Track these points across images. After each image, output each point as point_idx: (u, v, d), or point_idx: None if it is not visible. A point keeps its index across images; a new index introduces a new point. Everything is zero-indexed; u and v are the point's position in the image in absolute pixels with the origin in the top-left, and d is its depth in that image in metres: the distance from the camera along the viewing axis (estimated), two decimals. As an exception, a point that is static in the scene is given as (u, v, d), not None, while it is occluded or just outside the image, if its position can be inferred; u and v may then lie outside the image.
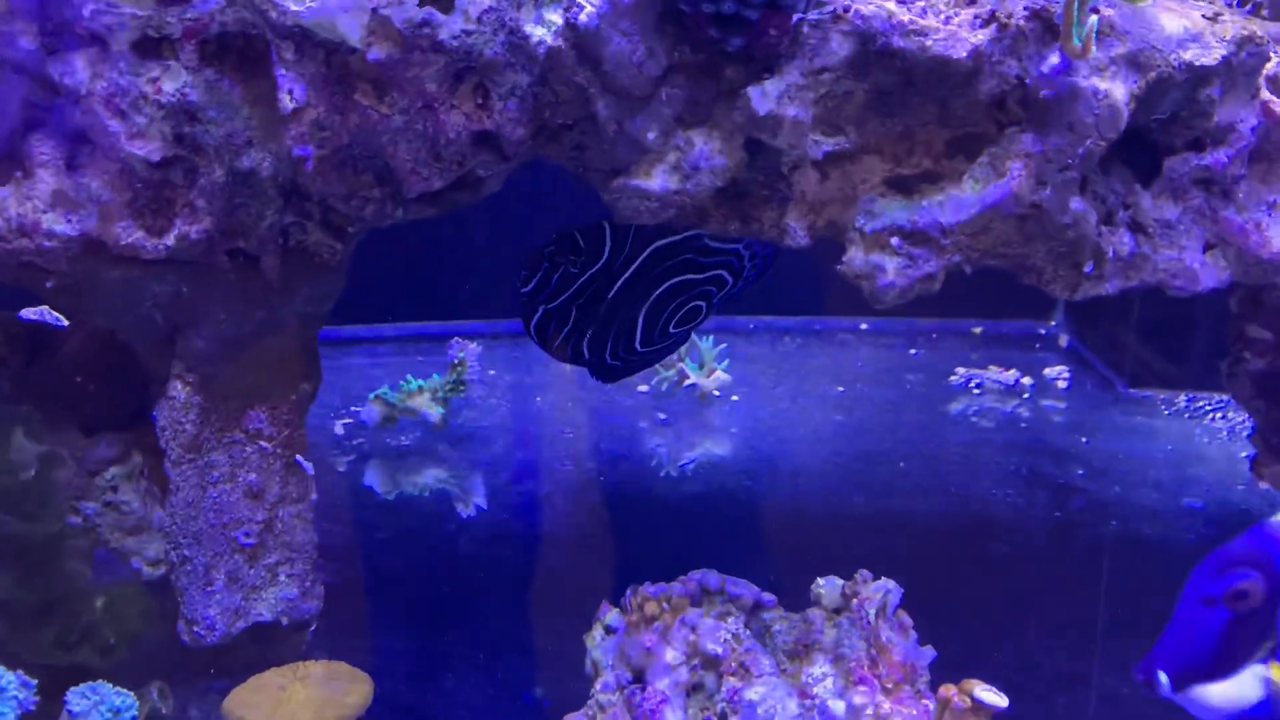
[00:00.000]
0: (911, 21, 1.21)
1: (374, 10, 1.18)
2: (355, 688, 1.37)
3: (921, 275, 1.29)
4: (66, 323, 1.46)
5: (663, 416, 2.48)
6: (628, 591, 1.30)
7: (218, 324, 1.41)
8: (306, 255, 1.40)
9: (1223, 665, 0.91)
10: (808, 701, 1.21)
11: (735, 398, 2.54)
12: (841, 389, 2.66)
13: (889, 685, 1.22)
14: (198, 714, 1.42)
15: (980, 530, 1.99)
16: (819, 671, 1.24)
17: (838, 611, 1.29)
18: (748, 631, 1.27)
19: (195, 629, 1.45)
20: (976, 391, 2.62)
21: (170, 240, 1.32)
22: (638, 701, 1.22)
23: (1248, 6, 1.40)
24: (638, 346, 1.58)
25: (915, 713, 1.20)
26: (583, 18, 1.19)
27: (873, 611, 1.25)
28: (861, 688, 1.21)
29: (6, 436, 1.31)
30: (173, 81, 1.26)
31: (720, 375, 2.54)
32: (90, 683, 1.27)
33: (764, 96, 1.24)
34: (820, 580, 1.32)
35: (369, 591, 1.79)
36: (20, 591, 1.30)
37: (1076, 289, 1.32)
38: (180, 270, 1.37)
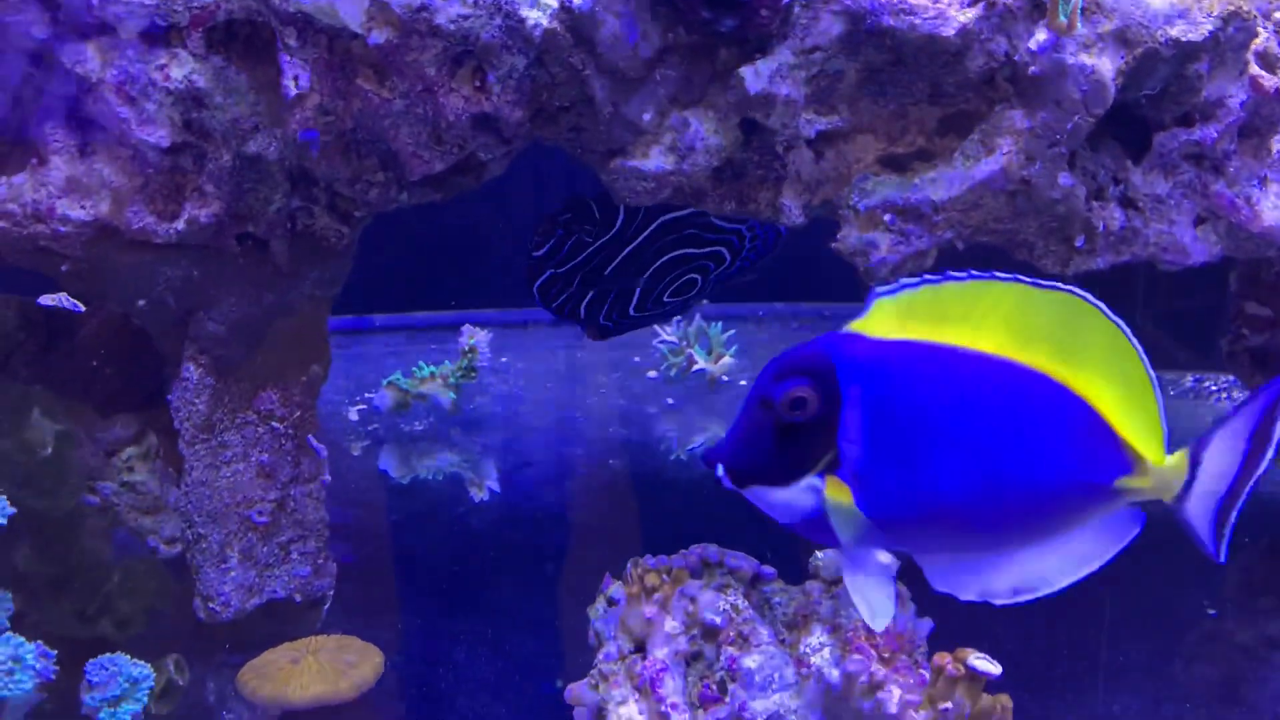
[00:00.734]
0: (901, 0, 1.23)
1: (373, -5, 1.20)
2: (367, 660, 1.40)
3: (913, 251, 1.31)
4: (83, 308, 1.50)
5: (671, 401, 2.49)
6: (629, 564, 1.32)
7: (229, 307, 1.44)
8: (314, 240, 1.44)
9: (782, 471, 0.90)
10: (805, 670, 1.23)
11: (743, 383, 2.55)
12: (848, 374, 2.67)
13: (885, 655, 1.23)
14: (213, 686, 1.45)
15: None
16: (816, 641, 1.25)
17: (836, 583, 1.31)
18: (746, 603, 1.29)
19: (211, 605, 1.48)
20: (983, 374, 2.62)
21: (181, 225, 1.35)
22: (638, 670, 1.24)
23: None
24: (631, 311, 1.61)
25: (911, 681, 1.22)
26: (577, 0, 1.21)
27: (870, 583, 1.27)
28: (857, 656, 1.22)
29: (24, 416, 1.34)
30: (181, 69, 1.29)
31: (728, 360, 2.56)
32: (109, 654, 1.29)
33: (756, 76, 1.26)
34: (819, 553, 1.34)
35: (384, 571, 1.82)
36: (39, 564, 1.32)
37: (1068, 263, 1.34)
38: (191, 255, 1.39)
